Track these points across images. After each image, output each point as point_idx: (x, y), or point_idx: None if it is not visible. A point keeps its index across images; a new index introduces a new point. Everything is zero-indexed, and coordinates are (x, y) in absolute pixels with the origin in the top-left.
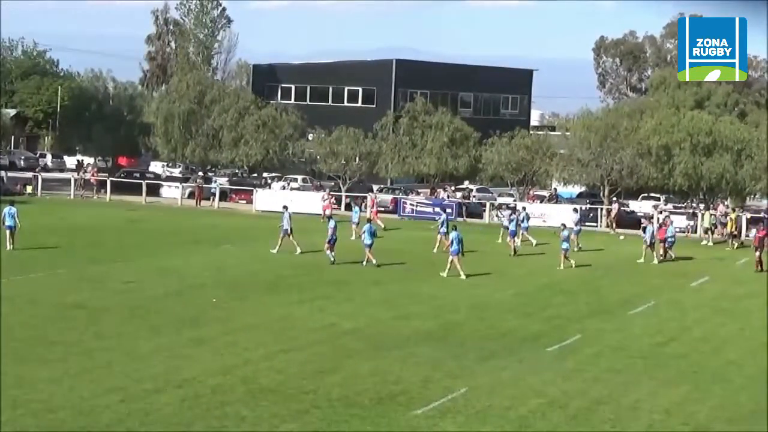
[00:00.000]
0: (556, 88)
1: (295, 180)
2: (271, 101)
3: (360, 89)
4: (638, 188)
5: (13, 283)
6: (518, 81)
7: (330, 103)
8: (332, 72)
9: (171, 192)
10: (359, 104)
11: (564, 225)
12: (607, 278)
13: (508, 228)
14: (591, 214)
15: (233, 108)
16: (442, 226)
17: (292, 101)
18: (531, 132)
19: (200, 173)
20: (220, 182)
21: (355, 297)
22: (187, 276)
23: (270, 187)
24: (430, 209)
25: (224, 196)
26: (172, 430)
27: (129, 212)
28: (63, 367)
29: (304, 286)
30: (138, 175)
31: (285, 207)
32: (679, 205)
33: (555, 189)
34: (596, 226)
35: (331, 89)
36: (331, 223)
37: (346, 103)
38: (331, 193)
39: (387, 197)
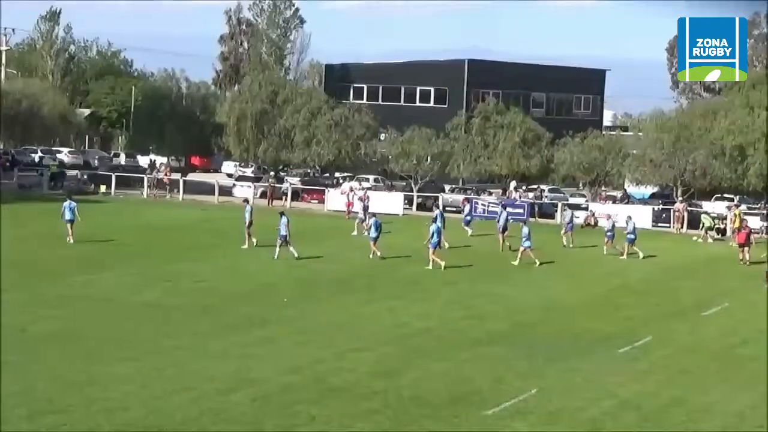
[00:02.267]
0: (629, 88)
1: (367, 180)
2: (344, 101)
3: (432, 89)
4: (711, 189)
5: (88, 282)
6: (591, 81)
7: (402, 103)
8: (404, 72)
9: (243, 192)
10: (431, 104)
11: (630, 217)
12: (680, 280)
13: (606, 233)
14: (663, 215)
15: (305, 108)
16: (466, 220)
17: (365, 101)
18: (603, 132)
19: (272, 173)
20: (292, 182)
21: (426, 297)
22: (257, 275)
23: (341, 187)
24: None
25: (296, 195)
26: (243, 429)
27: (201, 212)
28: (135, 366)
29: (376, 286)
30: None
31: (246, 200)
32: (754, 206)
33: (625, 190)
34: (668, 227)
35: (403, 89)
36: (372, 221)
37: (418, 103)
38: (363, 187)
39: (458, 197)
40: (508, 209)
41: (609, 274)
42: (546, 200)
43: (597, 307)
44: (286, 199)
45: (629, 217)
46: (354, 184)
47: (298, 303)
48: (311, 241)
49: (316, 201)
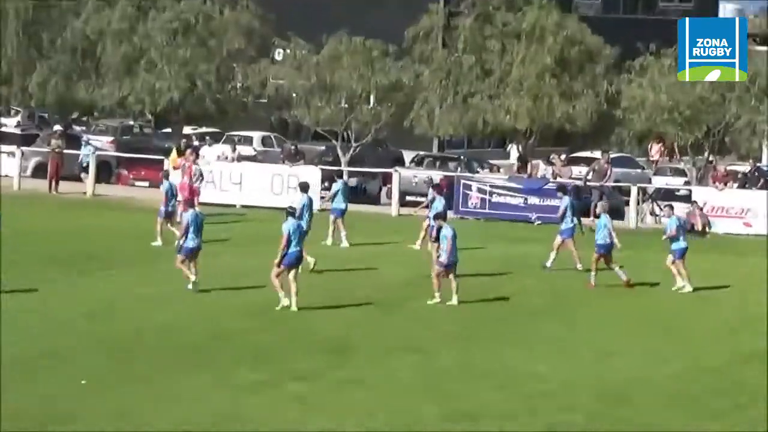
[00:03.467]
0: None
1: (249, 141)
2: None
3: None
4: None
5: None
6: None
7: None
8: None
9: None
10: None
11: (670, 206)
12: None
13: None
14: None
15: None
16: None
17: None
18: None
19: (58, 128)
20: (99, 145)
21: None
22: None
23: (198, 156)
24: (520, 200)
25: (106, 171)
26: None
27: None
28: None
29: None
30: None
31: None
32: None
33: (756, 164)
34: None
35: None
36: (190, 216)
37: None
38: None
39: (435, 175)
40: (535, 199)
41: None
42: (608, 183)
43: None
44: (84, 178)
45: (669, 206)
46: (222, 149)
47: None
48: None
49: (146, 182)
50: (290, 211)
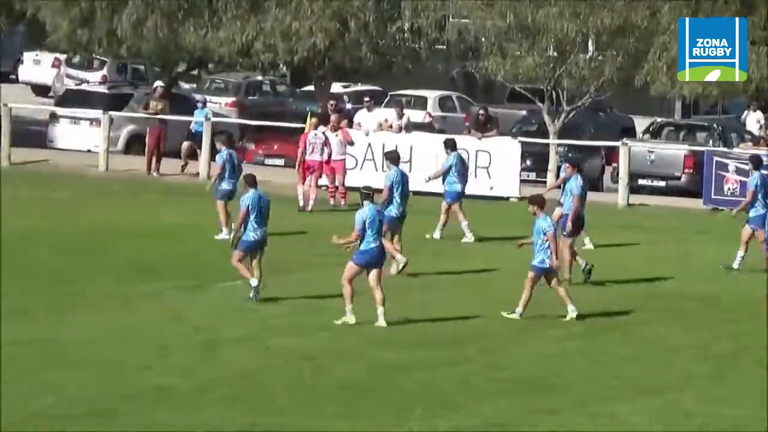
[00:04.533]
0: None
1: (422, 103)
2: None
3: None
4: None
5: None
6: None
7: None
8: None
9: (77, 134)
10: None
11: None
12: None
13: None
14: None
15: None
16: None
17: None
18: None
19: (159, 84)
20: (214, 108)
21: None
22: None
23: (351, 124)
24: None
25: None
26: None
27: None
28: None
29: None
30: None
31: None
32: None
33: None
34: None
35: None
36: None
37: None
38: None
39: (675, 149)
40: None
41: None
42: None
43: None
44: (195, 156)
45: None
46: (385, 114)
47: None
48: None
49: (280, 159)
50: (366, 193)
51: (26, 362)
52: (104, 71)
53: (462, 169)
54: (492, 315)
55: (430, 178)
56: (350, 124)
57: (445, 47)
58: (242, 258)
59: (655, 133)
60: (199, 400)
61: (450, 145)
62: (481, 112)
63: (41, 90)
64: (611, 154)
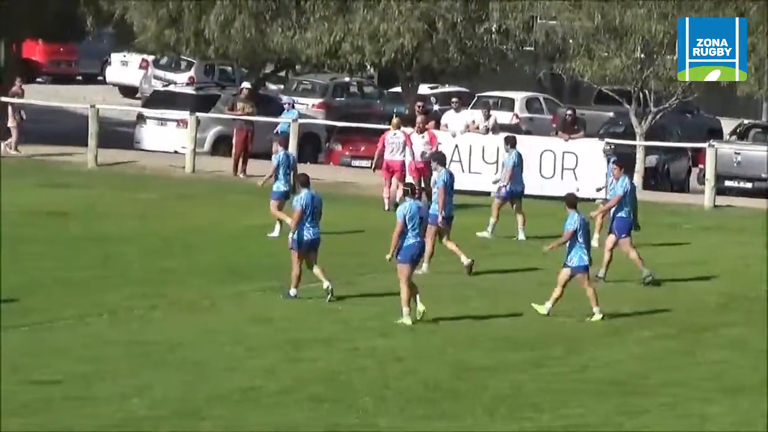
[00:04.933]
0: None
1: (509, 105)
2: None
3: None
4: None
5: None
6: None
7: None
8: None
9: (164, 137)
10: None
11: None
12: None
13: None
14: None
15: None
16: None
17: None
18: None
19: (246, 86)
20: (301, 110)
21: None
22: None
23: (438, 125)
24: None
25: (312, 145)
26: None
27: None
28: None
29: None
30: None
31: None
32: None
33: None
34: None
35: None
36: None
37: None
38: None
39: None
40: None
41: None
42: None
43: None
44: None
45: None
46: (473, 115)
47: None
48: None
49: (367, 161)
50: (406, 190)
51: (115, 363)
52: (191, 72)
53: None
54: (577, 316)
55: (499, 183)
56: (437, 126)
57: (532, 48)
58: (298, 257)
59: (741, 134)
60: (284, 401)
61: (511, 142)
62: (569, 113)
63: (128, 91)
64: (698, 156)
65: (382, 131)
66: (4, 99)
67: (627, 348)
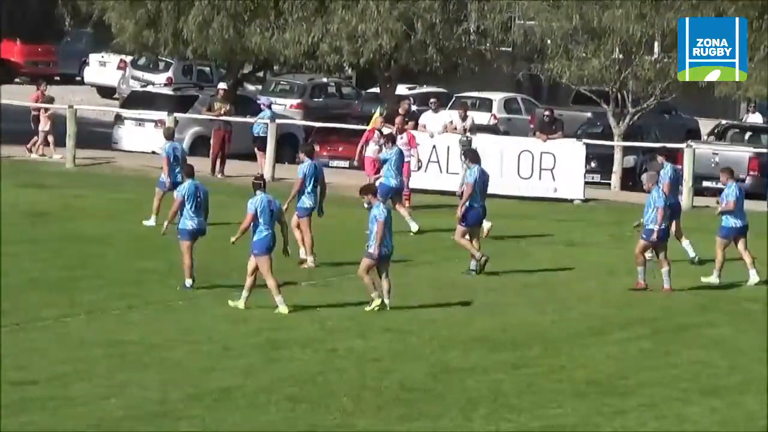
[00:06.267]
0: None
1: (487, 105)
2: None
3: None
4: None
5: None
6: None
7: None
8: None
9: (141, 137)
10: None
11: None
12: None
13: None
14: None
15: None
16: None
17: None
18: None
19: (223, 86)
20: (279, 110)
21: None
22: None
23: (416, 125)
24: None
25: (289, 146)
26: None
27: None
28: None
29: None
30: None
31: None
32: None
33: None
34: None
35: None
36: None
37: None
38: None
39: (740, 152)
40: None
41: None
42: None
43: None
44: (259, 156)
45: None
46: (450, 116)
47: None
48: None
49: (345, 161)
50: (257, 183)
51: (92, 363)
52: (170, 73)
53: (400, 163)
54: (556, 317)
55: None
56: (415, 126)
57: (510, 49)
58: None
59: (719, 135)
60: (262, 401)
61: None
62: (546, 113)
63: (107, 92)
64: (676, 156)
65: (361, 132)
66: (37, 105)
67: (605, 348)
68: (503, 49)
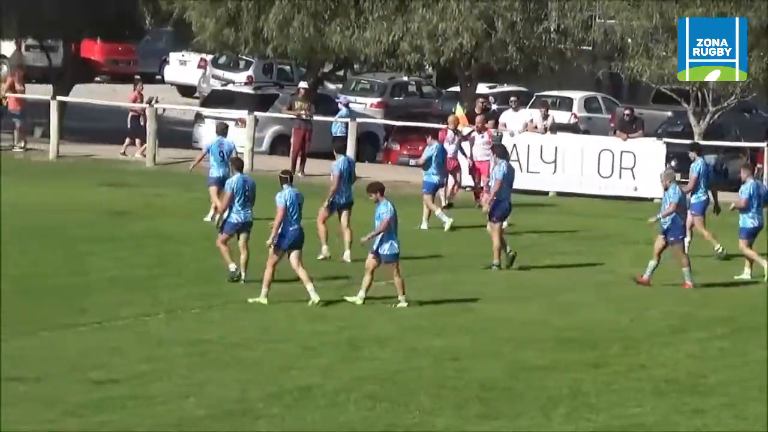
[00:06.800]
0: None
1: (567, 104)
2: None
3: None
4: None
5: None
6: None
7: None
8: None
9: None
10: None
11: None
12: None
13: None
14: None
15: None
16: None
17: None
18: None
19: (304, 85)
20: (359, 109)
21: None
22: None
23: (497, 124)
24: None
25: (369, 145)
26: None
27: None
28: None
29: None
30: None
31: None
32: None
33: None
34: None
35: None
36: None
37: None
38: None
39: None
40: None
41: None
42: None
43: None
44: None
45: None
46: (530, 114)
47: None
48: None
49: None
50: (284, 177)
51: (172, 362)
52: (250, 72)
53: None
54: (635, 315)
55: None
56: (496, 125)
57: (591, 48)
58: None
59: None
60: (341, 400)
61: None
62: (627, 112)
63: (187, 90)
64: (756, 155)
65: (440, 131)
66: (135, 105)
67: (685, 347)
68: (583, 47)
